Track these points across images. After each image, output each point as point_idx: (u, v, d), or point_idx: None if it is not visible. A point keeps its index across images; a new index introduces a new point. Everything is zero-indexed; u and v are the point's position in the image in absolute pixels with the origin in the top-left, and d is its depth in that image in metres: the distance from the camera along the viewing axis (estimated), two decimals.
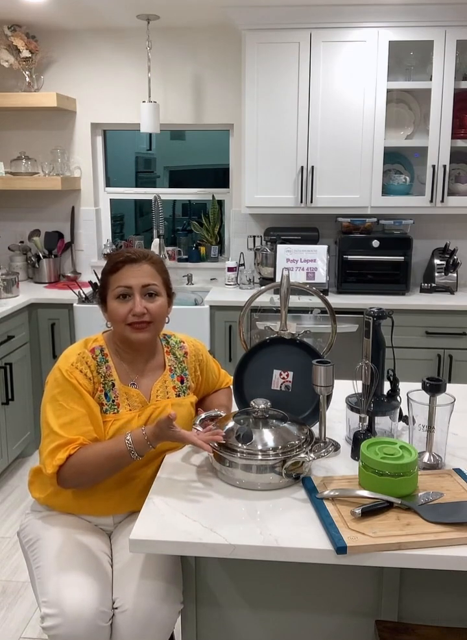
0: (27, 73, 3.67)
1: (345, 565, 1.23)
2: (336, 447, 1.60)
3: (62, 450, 1.50)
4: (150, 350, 1.71)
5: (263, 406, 1.52)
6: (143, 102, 3.58)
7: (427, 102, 3.37)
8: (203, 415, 1.62)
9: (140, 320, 1.61)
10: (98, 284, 1.72)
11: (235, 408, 1.79)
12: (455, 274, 3.54)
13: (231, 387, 1.78)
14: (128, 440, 1.50)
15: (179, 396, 1.72)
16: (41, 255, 3.87)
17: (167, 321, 1.72)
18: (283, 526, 1.27)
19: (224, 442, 1.45)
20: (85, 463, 1.51)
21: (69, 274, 3.94)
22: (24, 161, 3.77)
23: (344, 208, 3.50)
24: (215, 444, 1.46)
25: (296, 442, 1.46)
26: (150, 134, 5.55)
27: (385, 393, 1.67)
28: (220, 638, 1.52)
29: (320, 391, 1.54)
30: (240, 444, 1.43)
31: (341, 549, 1.17)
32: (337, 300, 3.30)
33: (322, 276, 3.47)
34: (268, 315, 3.28)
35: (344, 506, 1.30)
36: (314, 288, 1.84)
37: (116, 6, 3.29)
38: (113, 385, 1.63)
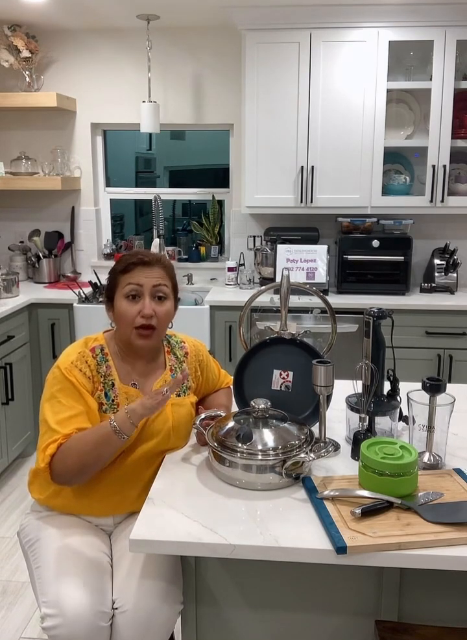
0: (27, 73, 3.67)
1: (345, 565, 1.24)
2: (336, 447, 1.60)
3: (54, 444, 1.49)
4: (151, 353, 1.71)
5: (263, 406, 1.52)
6: (143, 102, 3.59)
7: (427, 102, 3.37)
8: (203, 415, 1.62)
9: (147, 324, 1.61)
10: (107, 283, 1.71)
11: (235, 408, 1.79)
12: (454, 274, 3.54)
13: (231, 387, 1.78)
14: (111, 419, 1.49)
15: (179, 396, 1.71)
16: (41, 255, 3.87)
17: (170, 326, 1.73)
18: (283, 526, 1.27)
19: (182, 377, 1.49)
20: (71, 448, 1.48)
21: (69, 274, 3.94)
22: (24, 161, 3.77)
23: (344, 208, 3.50)
24: (215, 444, 1.46)
25: (296, 442, 1.46)
26: (150, 134, 5.56)
27: (385, 393, 1.67)
28: (220, 638, 1.52)
29: (320, 391, 1.54)
30: (240, 444, 1.43)
31: (341, 549, 1.17)
32: (337, 300, 3.30)
33: (322, 276, 3.47)
34: (268, 315, 3.28)
35: (344, 506, 1.30)
36: (314, 288, 1.84)
37: (116, 6, 3.29)
38: (113, 384, 1.63)
